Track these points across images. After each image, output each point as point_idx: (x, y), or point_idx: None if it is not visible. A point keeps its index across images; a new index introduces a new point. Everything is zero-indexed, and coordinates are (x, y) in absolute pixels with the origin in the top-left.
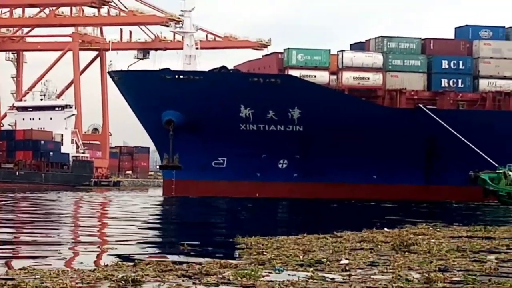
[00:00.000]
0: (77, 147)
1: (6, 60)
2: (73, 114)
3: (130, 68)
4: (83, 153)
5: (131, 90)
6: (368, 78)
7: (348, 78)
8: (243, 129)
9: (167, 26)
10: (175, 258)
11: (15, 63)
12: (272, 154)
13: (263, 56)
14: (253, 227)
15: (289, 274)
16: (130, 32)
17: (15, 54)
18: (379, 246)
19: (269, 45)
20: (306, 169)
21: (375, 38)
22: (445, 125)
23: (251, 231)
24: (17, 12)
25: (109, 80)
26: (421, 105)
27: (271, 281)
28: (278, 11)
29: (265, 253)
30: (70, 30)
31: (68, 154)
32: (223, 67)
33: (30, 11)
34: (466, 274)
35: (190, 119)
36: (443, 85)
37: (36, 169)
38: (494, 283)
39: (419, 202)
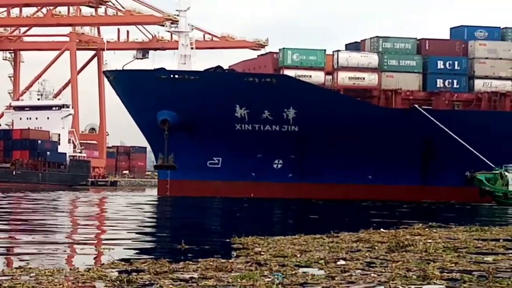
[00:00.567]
0: (74, 146)
1: (3, 59)
2: (70, 114)
3: (125, 68)
4: (80, 152)
5: (126, 89)
6: (364, 78)
7: (344, 78)
8: (238, 129)
9: (163, 25)
10: (172, 257)
11: (12, 63)
12: (267, 154)
13: (258, 56)
14: (249, 227)
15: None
16: (128, 32)
17: (12, 54)
18: (375, 247)
19: (266, 45)
20: (301, 169)
21: (371, 38)
22: (440, 125)
23: (247, 231)
24: (15, 11)
25: (106, 80)
26: (416, 106)
27: (271, 282)
28: (278, 12)
29: (262, 253)
30: (67, 29)
31: (65, 153)
32: (218, 67)
33: (28, 11)
34: (464, 275)
35: (185, 119)
36: (438, 85)
37: (33, 168)
38: (491, 281)
39: (415, 203)
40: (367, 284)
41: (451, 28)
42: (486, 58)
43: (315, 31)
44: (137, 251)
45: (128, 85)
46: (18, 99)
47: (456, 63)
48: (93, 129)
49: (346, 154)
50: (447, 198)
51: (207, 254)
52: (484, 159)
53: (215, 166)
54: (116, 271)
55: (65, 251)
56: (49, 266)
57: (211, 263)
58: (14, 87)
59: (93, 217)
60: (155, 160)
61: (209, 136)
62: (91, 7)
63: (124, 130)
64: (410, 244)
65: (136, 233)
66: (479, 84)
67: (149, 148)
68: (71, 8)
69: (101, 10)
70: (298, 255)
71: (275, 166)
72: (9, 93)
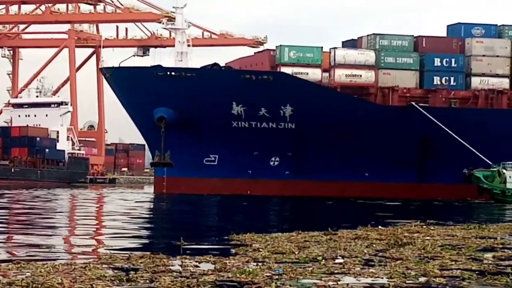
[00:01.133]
0: (73, 144)
1: (2, 57)
2: (68, 111)
3: (122, 65)
4: (79, 150)
5: (122, 86)
6: (361, 76)
7: (341, 75)
8: (235, 126)
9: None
10: (170, 253)
11: (11, 60)
12: (264, 152)
13: (255, 53)
14: (247, 224)
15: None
16: (126, 29)
17: (11, 51)
18: (374, 245)
19: (265, 43)
20: (298, 166)
21: (367, 35)
22: (437, 122)
23: (245, 228)
24: (13, 9)
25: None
26: (413, 103)
27: (270, 277)
28: (275, 11)
29: (260, 250)
30: (66, 27)
31: (63, 151)
32: (215, 64)
33: (26, 8)
34: (464, 272)
35: (181, 116)
36: (435, 82)
37: (31, 165)
38: (490, 278)
39: (412, 200)
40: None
41: (448, 26)
42: (483, 55)
43: (313, 29)
44: (135, 247)
45: (125, 82)
46: (16, 97)
47: (453, 60)
48: (91, 126)
49: (343, 152)
50: (444, 195)
51: (205, 251)
52: (482, 156)
53: (211, 163)
54: (114, 267)
55: (63, 247)
56: (47, 262)
57: (210, 261)
58: (13, 84)
59: (90, 215)
60: (152, 157)
61: (205, 134)
62: (89, 4)
63: (123, 128)
64: (408, 241)
65: (133, 230)
66: (476, 82)
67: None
68: (69, 5)
69: (99, 7)
70: (296, 252)
71: (271, 163)
72: (7, 90)
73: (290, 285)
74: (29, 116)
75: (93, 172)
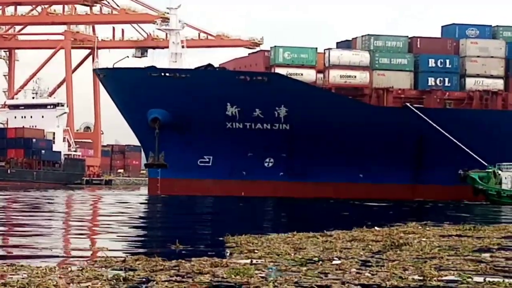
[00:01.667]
0: (69, 145)
1: None
2: (65, 112)
3: (116, 66)
4: (75, 151)
5: (116, 87)
6: (355, 77)
7: (335, 76)
8: (229, 128)
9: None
10: (166, 256)
11: (7, 61)
12: (258, 153)
13: (249, 54)
14: (242, 226)
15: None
16: (123, 30)
17: (7, 52)
18: (370, 246)
19: (261, 44)
20: (293, 167)
21: (362, 36)
22: (432, 123)
23: (240, 230)
24: (9, 10)
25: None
26: (408, 104)
27: (265, 278)
28: (272, 12)
29: (256, 251)
30: (62, 28)
31: (60, 152)
32: (209, 65)
33: (22, 9)
34: (461, 273)
35: (175, 117)
36: (430, 83)
37: (27, 167)
38: (489, 283)
39: (407, 201)
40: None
41: (442, 26)
42: (478, 56)
43: (308, 31)
44: (130, 250)
45: (119, 83)
46: (12, 98)
47: (447, 61)
48: (88, 127)
49: (337, 153)
50: (439, 197)
51: (201, 254)
52: (477, 157)
53: (206, 164)
54: (110, 269)
55: (58, 249)
56: (43, 263)
57: (204, 262)
58: (9, 85)
59: (85, 217)
60: (146, 158)
61: (200, 135)
62: (86, 5)
63: (119, 129)
64: (404, 242)
65: (128, 232)
66: (470, 83)
67: None
68: (66, 6)
69: (96, 8)
70: (292, 254)
71: (266, 164)
72: (3, 91)
73: (287, 286)
74: (25, 117)
75: (89, 173)
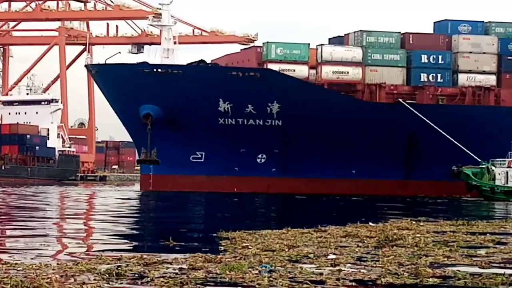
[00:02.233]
0: (63, 141)
1: None
2: (59, 109)
3: (108, 62)
4: (69, 147)
5: (108, 83)
6: (348, 73)
7: (328, 72)
8: (221, 123)
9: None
10: (159, 252)
11: (1, 57)
12: (250, 149)
13: (241, 50)
14: (236, 222)
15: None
16: (117, 26)
17: (1, 48)
18: (364, 241)
19: (256, 40)
20: (285, 164)
21: (354, 32)
22: (425, 119)
23: (234, 226)
24: (3, 6)
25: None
26: (400, 100)
27: (259, 274)
28: (265, 8)
29: (249, 247)
30: (56, 24)
31: (54, 148)
32: (202, 60)
33: (16, 5)
34: (456, 270)
35: (168, 113)
36: (422, 79)
37: (22, 163)
38: (486, 277)
39: (400, 197)
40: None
41: (434, 22)
42: (470, 52)
43: (301, 26)
44: (124, 246)
45: (111, 79)
46: (7, 94)
47: (440, 57)
48: (82, 124)
49: (330, 149)
50: (432, 192)
51: (195, 250)
52: (470, 153)
53: (198, 160)
54: (104, 265)
55: (52, 246)
56: (37, 260)
57: (199, 258)
58: (3, 82)
59: (78, 214)
60: (138, 154)
61: (192, 131)
62: (80, 1)
63: (114, 125)
64: (399, 238)
65: (121, 229)
66: (463, 78)
67: None
68: (60, 2)
69: (90, 4)
70: (286, 250)
71: (258, 160)
72: None
73: (282, 280)
74: (19, 113)
75: (83, 169)
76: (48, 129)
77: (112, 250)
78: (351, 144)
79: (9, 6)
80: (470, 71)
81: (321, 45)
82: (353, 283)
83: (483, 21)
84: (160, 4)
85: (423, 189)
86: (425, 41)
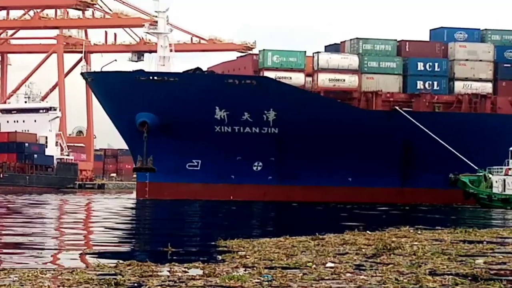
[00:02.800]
0: (62, 149)
1: None
2: (57, 117)
3: (104, 69)
4: (68, 155)
5: (104, 91)
6: (344, 80)
7: (324, 80)
8: (217, 131)
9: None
10: (157, 261)
11: None
12: (247, 157)
13: (237, 57)
14: (233, 230)
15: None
16: (115, 34)
17: None
18: (362, 250)
19: (254, 48)
20: (281, 171)
21: (350, 39)
22: (421, 127)
23: (232, 234)
24: (1, 14)
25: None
26: (397, 107)
27: (259, 282)
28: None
29: (248, 257)
30: (54, 32)
31: (52, 156)
32: (198, 68)
33: (15, 13)
34: (456, 278)
35: (164, 121)
36: (418, 87)
37: (20, 171)
38: (483, 284)
39: (397, 205)
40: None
41: (430, 30)
42: (466, 59)
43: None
44: (122, 254)
45: (106, 87)
46: (5, 102)
47: (436, 64)
48: (80, 132)
49: (326, 157)
50: (428, 200)
51: (193, 258)
52: (467, 160)
53: (194, 168)
54: (101, 274)
55: (48, 254)
56: (33, 268)
57: (197, 266)
58: (1, 90)
59: (76, 222)
60: (134, 162)
61: (188, 138)
62: (78, 9)
63: (112, 133)
64: (397, 246)
65: (119, 236)
66: (459, 86)
67: None
68: (58, 10)
69: (88, 12)
70: (285, 258)
71: (254, 168)
72: None
73: None
74: (17, 121)
75: (82, 177)
76: (46, 137)
77: (109, 258)
78: (347, 151)
79: (8, 14)
80: (466, 79)
81: (317, 52)
82: None
83: (479, 29)
84: (156, 11)
85: (420, 196)
86: (422, 49)
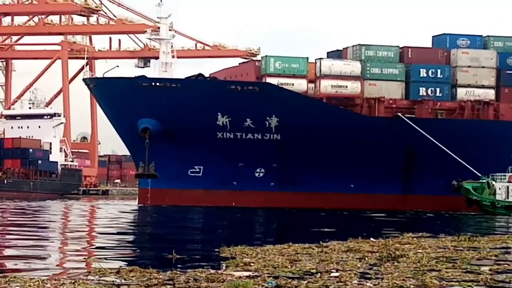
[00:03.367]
0: (66, 155)
1: None
2: (61, 123)
3: (106, 76)
4: (72, 161)
5: (106, 97)
6: (346, 87)
7: (326, 86)
8: (220, 137)
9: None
10: (160, 268)
11: (4, 71)
12: (249, 163)
13: (240, 63)
14: (237, 237)
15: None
16: (119, 40)
17: (4, 62)
18: (366, 257)
19: (258, 54)
20: (283, 178)
21: (353, 46)
22: (424, 133)
23: (235, 241)
24: (6, 20)
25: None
26: (399, 114)
27: None
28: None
29: (251, 264)
30: (59, 38)
31: (56, 162)
32: (200, 74)
33: (19, 20)
34: (461, 286)
35: (166, 127)
36: (421, 93)
37: (24, 177)
38: None
39: (399, 212)
40: None
41: (433, 36)
42: (469, 66)
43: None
44: (126, 262)
45: (109, 93)
46: (9, 108)
47: (438, 71)
48: (84, 138)
49: (328, 163)
50: (431, 207)
51: (196, 265)
52: (470, 167)
53: (196, 174)
54: (104, 281)
55: (50, 262)
56: (37, 275)
57: (200, 274)
58: (6, 96)
59: (79, 228)
60: (136, 168)
61: (190, 145)
62: (83, 16)
63: (116, 139)
64: (401, 254)
65: (122, 243)
66: (461, 93)
67: None
68: (63, 17)
69: (93, 19)
70: (289, 266)
71: (256, 174)
72: (0, 102)
73: None
74: (22, 127)
75: (86, 183)
76: (50, 143)
77: (111, 265)
78: (349, 158)
79: (12, 20)
80: (469, 85)
81: (320, 59)
82: None
83: (481, 35)
84: (158, 17)
85: (422, 203)
86: (424, 55)
